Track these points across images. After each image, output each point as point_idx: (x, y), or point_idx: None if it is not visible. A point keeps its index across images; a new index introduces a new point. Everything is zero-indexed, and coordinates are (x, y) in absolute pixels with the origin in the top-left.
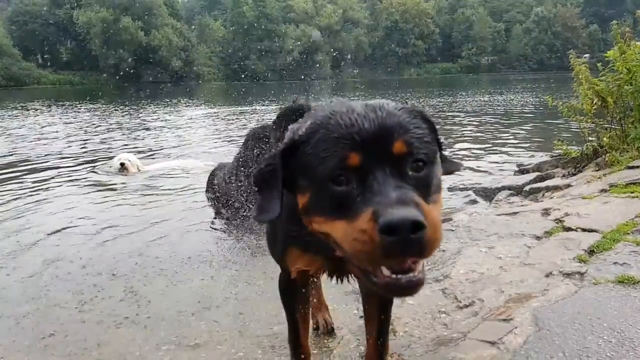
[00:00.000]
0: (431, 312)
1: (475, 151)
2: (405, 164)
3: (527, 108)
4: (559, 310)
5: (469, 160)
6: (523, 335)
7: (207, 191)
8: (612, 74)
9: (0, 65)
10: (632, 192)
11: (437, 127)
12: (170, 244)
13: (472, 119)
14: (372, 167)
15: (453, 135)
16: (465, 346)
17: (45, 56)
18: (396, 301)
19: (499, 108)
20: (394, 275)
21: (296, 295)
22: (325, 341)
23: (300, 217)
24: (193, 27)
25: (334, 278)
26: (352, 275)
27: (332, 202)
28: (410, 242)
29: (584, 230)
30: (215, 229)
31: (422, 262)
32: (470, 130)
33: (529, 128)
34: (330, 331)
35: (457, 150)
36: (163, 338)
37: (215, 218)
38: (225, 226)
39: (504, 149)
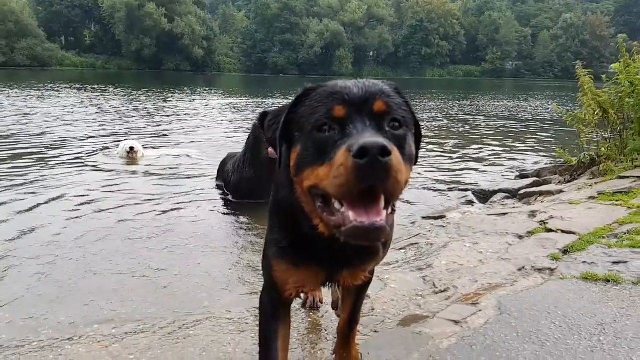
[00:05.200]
0: (409, 295)
1: (487, 154)
2: (384, 121)
3: (547, 115)
4: (522, 299)
5: (478, 162)
6: (485, 317)
7: (217, 178)
8: (616, 86)
9: (25, 45)
10: (617, 200)
11: (454, 129)
12: (182, 228)
13: (491, 122)
14: (354, 119)
15: (470, 138)
16: (432, 323)
17: (69, 38)
18: (379, 284)
19: (519, 114)
20: (359, 219)
21: (280, 318)
22: (312, 314)
23: (288, 221)
24: (216, 16)
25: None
26: (340, 284)
27: (316, 150)
28: (379, 165)
29: (563, 232)
30: (224, 214)
31: (387, 212)
32: (487, 134)
33: (546, 135)
34: (316, 308)
35: (470, 152)
36: (177, 309)
37: (224, 204)
38: (233, 211)
39: (514, 154)
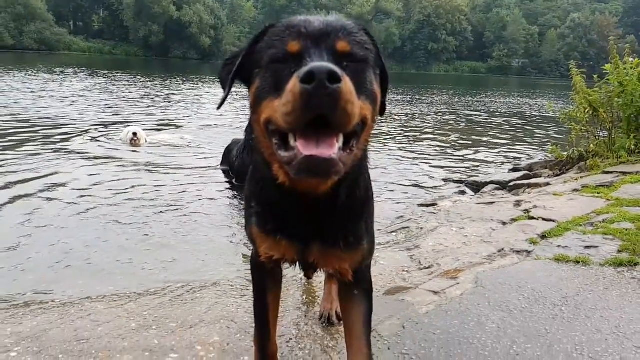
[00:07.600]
0: (396, 270)
1: (487, 149)
2: (343, 59)
3: (550, 113)
4: (497, 274)
5: (477, 156)
6: (462, 289)
7: (221, 163)
8: (606, 86)
9: (34, 29)
10: (598, 193)
11: (457, 124)
12: (186, 207)
13: (494, 119)
14: (311, 53)
15: (472, 133)
16: (414, 293)
17: (77, 23)
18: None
19: (523, 111)
20: (308, 151)
21: (268, 272)
22: (307, 283)
23: (259, 184)
24: (224, 5)
25: (300, 268)
26: (320, 268)
27: (273, 82)
28: (326, 92)
29: (544, 219)
30: (227, 195)
31: (342, 149)
32: (489, 130)
33: (547, 132)
34: (329, 322)
35: (470, 147)
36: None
37: (228, 187)
38: (236, 193)
39: (513, 150)
